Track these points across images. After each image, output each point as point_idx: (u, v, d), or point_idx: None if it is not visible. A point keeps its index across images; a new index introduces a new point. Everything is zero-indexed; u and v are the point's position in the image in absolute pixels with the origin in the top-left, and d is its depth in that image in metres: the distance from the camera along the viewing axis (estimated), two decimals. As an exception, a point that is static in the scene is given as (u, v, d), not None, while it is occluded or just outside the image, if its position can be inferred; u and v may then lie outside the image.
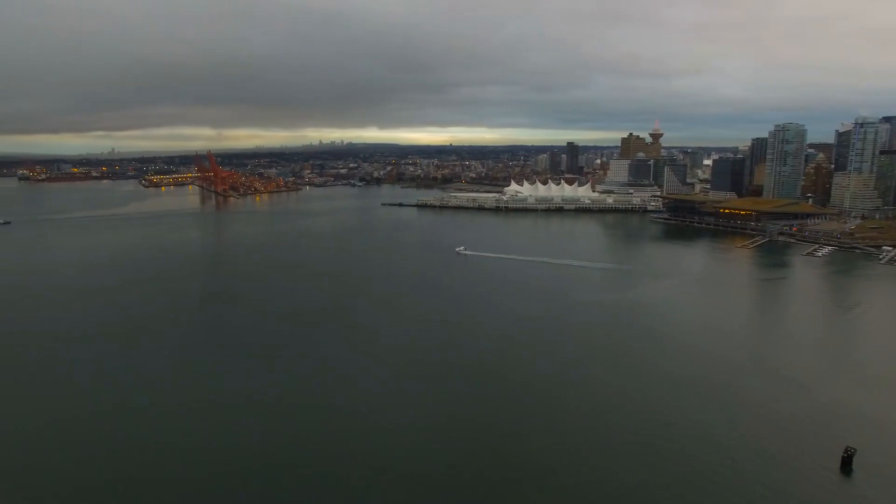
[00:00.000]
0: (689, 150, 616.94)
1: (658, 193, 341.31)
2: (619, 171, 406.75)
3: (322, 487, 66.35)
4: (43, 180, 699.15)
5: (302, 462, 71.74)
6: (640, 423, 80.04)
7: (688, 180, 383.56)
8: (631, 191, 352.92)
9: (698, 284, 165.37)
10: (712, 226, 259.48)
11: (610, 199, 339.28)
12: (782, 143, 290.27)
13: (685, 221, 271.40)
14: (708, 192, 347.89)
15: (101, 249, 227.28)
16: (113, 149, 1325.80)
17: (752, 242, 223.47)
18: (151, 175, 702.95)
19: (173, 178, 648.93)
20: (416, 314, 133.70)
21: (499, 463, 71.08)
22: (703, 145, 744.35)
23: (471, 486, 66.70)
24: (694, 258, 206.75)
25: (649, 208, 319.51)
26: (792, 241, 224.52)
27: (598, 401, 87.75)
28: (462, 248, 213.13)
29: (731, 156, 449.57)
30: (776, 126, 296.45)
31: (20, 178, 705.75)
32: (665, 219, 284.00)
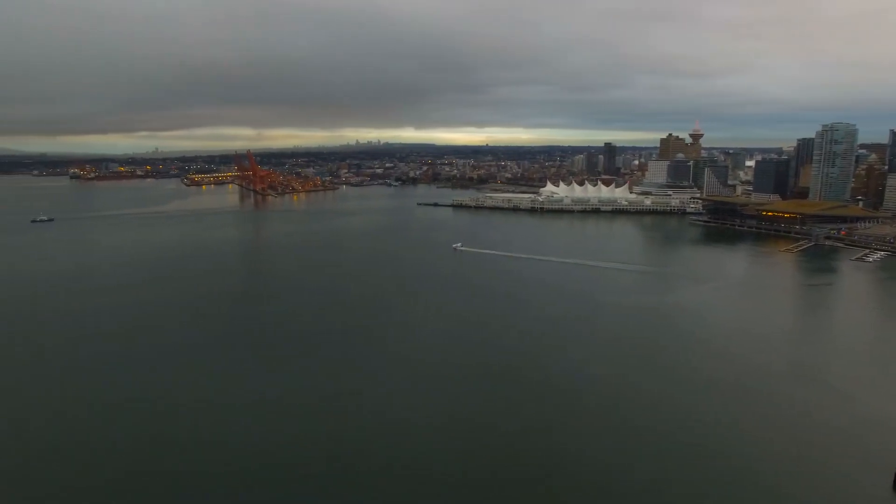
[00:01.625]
0: (730, 151, 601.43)
1: (697, 195, 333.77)
2: (657, 172, 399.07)
3: (339, 486, 66.93)
4: (92, 179, 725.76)
5: (322, 460, 72.40)
6: (674, 429, 78.19)
7: (729, 182, 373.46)
8: (669, 192, 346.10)
9: (738, 289, 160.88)
10: (754, 229, 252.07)
11: (648, 201, 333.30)
12: (830, 143, 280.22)
13: (725, 224, 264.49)
14: (750, 194, 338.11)
15: (140, 246, 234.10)
16: (157, 148, 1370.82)
17: (797, 247, 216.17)
18: (193, 174, 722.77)
19: (214, 177, 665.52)
20: (449, 314, 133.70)
21: (524, 464, 70.44)
22: (746, 146, 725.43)
23: (494, 487, 66.39)
24: (734, 262, 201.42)
25: (688, 210, 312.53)
26: (840, 245, 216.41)
27: (628, 404, 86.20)
28: (459, 244, 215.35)
29: (775, 157, 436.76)
30: (824, 126, 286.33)
31: (71, 177, 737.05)
32: (704, 221, 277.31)
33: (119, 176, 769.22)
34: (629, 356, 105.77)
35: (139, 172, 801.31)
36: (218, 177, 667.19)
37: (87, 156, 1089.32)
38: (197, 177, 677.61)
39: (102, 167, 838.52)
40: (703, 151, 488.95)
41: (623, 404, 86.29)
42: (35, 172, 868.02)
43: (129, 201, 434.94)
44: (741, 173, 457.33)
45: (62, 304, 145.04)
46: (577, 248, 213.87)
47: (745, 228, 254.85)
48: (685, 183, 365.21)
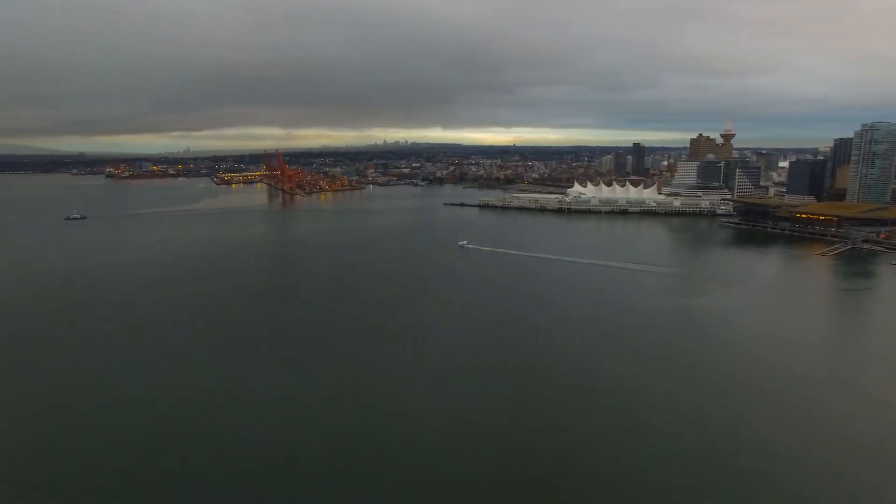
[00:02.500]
0: (763, 152, 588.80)
1: (728, 197, 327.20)
2: (686, 173, 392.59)
3: (357, 484, 67.31)
4: (127, 178, 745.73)
5: (341, 458, 72.75)
6: (702, 436, 76.65)
7: (761, 183, 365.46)
8: (699, 193, 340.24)
9: (769, 292, 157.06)
10: (787, 231, 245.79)
11: (677, 202, 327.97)
12: (870, 143, 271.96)
13: (757, 226, 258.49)
14: (783, 195, 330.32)
15: (169, 244, 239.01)
16: (189, 148, 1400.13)
17: (833, 250, 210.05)
18: (223, 173, 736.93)
19: (243, 176, 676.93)
20: (471, 314, 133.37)
21: (540, 464, 70.03)
22: (779, 146, 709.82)
23: (509, 487, 66.05)
24: (766, 265, 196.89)
25: (718, 212, 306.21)
26: (879, 249, 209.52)
27: (650, 406, 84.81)
28: (465, 241, 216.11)
29: (810, 157, 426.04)
30: (863, 125, 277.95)
31: (107, 176, 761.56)
32: (735, 223, 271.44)
33: (152, 175, 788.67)
34: (653, 358, 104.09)
35: (171, 171, 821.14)
36: (247, 176, 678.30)
37: (122, 155, 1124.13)
38: (226, 176, 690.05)
39: (136, 166, 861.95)
40: (734, 152, 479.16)
41: (645, 406, 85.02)
42: (73, 171, 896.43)
43: (161, 200, 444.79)
44: (774, 174, 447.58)
45: (83, 300, 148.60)
46: (604, 250, 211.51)
47: (778, 231, 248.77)
48: (715, 184, 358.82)
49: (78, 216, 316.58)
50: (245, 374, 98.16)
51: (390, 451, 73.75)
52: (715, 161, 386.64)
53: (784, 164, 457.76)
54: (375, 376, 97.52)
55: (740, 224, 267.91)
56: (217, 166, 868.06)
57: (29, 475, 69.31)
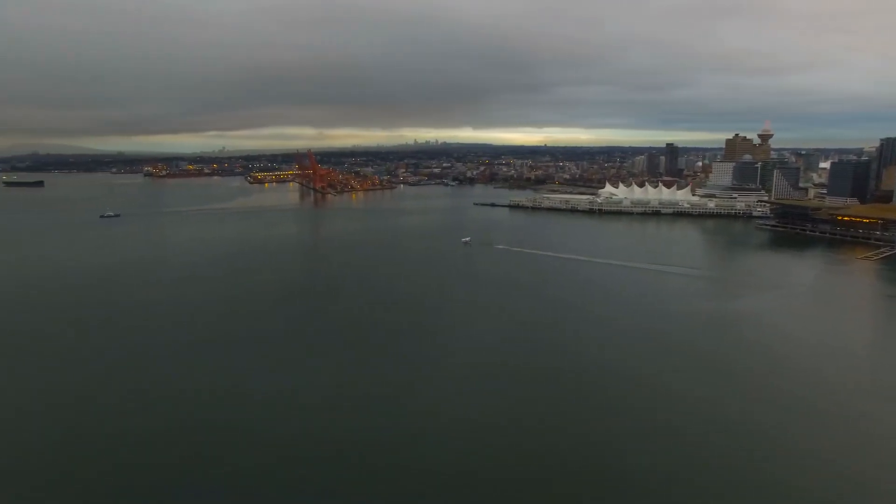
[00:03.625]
0: (802, 152, 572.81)
1: (765, 198, 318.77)
2: (722, 173, 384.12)
3: (384, 482, 67.50)
4: (163, 176, 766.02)
5: (362, 456, 73.04)
6: (735, 444, 74.53)
7: (801, 184, 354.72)
8: (735, 195, 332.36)
9: (808, 297, 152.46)
10: (828, 234, 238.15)
11: (711, 204, 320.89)
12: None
13: (795, 229, 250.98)
14: (824, 197, 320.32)
15: (200, 241, 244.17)
16: (223, 147, 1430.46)
17: (877, 254, 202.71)
18: (256, 172, 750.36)
19: (276, 176, 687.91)
20: (501, 315, 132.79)
21: (561, 466, 69.35)
22: (820, 146, 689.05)
23: (528, 487, 65.45)
24: (805, 269, 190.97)
25: (754, 214, 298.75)
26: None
27: (686, 414, 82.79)
28: (468, 238, 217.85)
29: (854, 158, 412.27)
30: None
31: (145, 175, 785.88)
32: (772, 226, 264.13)
33: (188, 174, 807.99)
34: (684, 362, 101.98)
35: (206, 170, 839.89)
36: (280, 175, 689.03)
37: (160, 154, 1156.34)
38: (260, 175, 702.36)
39: (173, 165, 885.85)
40: (772, 152, 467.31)
41: (676, 411, 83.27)
42: (113, 170, 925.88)
43: (195, 198, 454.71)
44: (814, 175, 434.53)
45: (105, 296, 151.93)
46: (635, 251, 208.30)
47: (818, 234, 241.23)
48: (752, 185, 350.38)
49: (112, 214, 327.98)
50: (267, 371, 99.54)
51: (414, 449, 73.91)
52: (751, 162, 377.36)
53: (825, 164, 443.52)
54: (402, 375, 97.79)
55: (777, 227, 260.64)
56: (251, 165, 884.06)
57: (34, 469, 71.49)
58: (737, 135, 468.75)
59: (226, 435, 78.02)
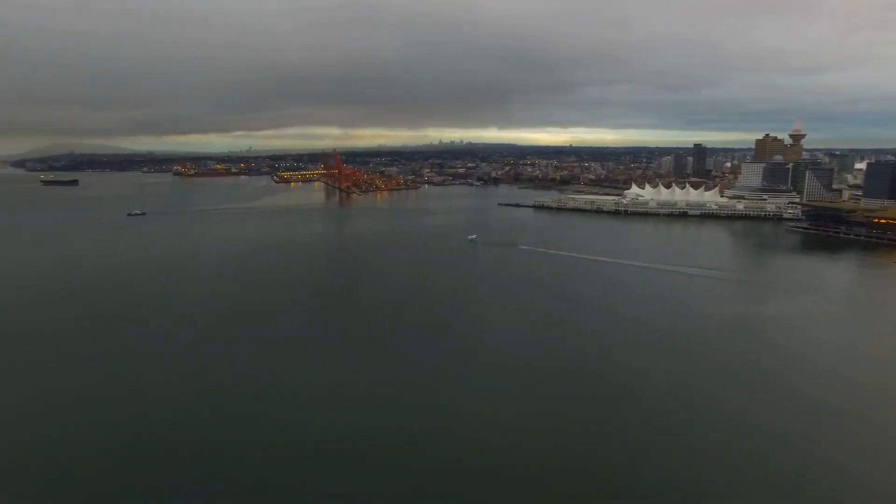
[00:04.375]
0: (836, 153, 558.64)
1: (796, 200, 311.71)
2: (751, 175, 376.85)
3: (411, 482, 67.83)
4: (192, 175, 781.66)
5: (391, 454, 73.58)
6: (765, 453, 72.89)
7: (834, 186, 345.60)
8: (764, 196, 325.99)
9: (841, 302, 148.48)
10: (863, 237, 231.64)
11: (740, 205, 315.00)
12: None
13: (828, 232, 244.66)
14: (859, 199, 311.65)
15: (225, 240, 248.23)
16: (250, 147, 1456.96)
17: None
18: (282, 171, 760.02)
19: (301, 175, 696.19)
20: (524, 316, 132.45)
21: (584, 469, 68.91)
22: (856, 147, 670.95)
23: (547, 490, 65.13)
24: (838, 273, 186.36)
25: (785, 216, 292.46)
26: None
27: (712, 421, 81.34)
28: (474, 236, 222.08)
29: (892, 158, 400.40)
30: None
31: (174, 174, 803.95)
32: (804, 228, 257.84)
33: (216, 173, 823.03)
34: (710, 367, 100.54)
35: (234, 170, 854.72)
36: (305, 174, 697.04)
37: (188, 154, 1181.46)
38: (286, 174, 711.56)
39: (201, 165, 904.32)
40: (804, 153, 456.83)
41: (701, 417, 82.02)
42: (144, 169, 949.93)
43: (222, 197, 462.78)
44: (849, 177, 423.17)
45: (117, 294, 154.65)
46: (662, 253, 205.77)
47: (852, 237, 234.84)
48: (782, 187, 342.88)
49: (139, 212, 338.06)
50: (290, 369, 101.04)
51: (433, 449, 74.32)
52: (782, 162, 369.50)
53: (861, 165, 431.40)
54: (427, 375, 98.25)
55: (809, 229, 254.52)
56: (277, 165, 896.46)
57: (35, 466, 73.67)
58: (767, 135, 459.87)
59: (237, 432, 79.34)
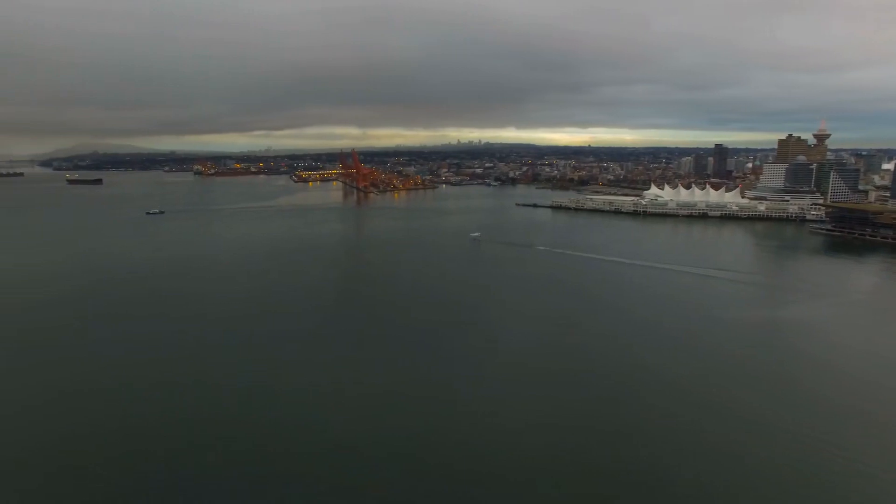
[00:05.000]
0: (863, 153, 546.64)
1: (820, 201, 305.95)
2: (773, 175, 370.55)
3: (437, 482, 67.63)
4: (212, 175, 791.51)
5: (414, 453, 73.54)
6: (791, 459, 71.47)
7: (860, 187, 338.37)
8: (787, 198, 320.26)
9: (869, 306, 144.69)
10: (890, 240, 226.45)
11: (761, 207, 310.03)
12: None
13: (854, 234, 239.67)
14: (887, 200, 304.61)
15: (239, 238, 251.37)
16: (270, 147, 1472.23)
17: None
18: (301, 171, 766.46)
19: (320, 175, 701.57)
20: (542, 317, 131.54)
21: (617, 478, 67.96)
22: (883, 147, 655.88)
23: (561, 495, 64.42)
24: (864, 276, 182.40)
25: (808, 218, 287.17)
26: None
27: (733, 425, 79.81)
28: (477, 234, 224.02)
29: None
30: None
31: (195, 173, 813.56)
32: (828, 230, 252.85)
33: (235, 172, 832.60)
34: (732, 370, 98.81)
35: (253, 169, 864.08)
36: (323, 174, 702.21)
37: (209, 153, 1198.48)
38: (304, 174, 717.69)
39: (221, 164, 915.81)
40: (828, 153, 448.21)
41: (722, 422, 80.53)
42: (165, 168, 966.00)
43: (241, 196, 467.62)
44: (876, 178, 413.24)
45: (124, 290, 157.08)
46: (681, 254, 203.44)
47: (879, 239, 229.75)
48: (806, 188, 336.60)
49: (157, 211, 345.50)
50: (308, 368, 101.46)
51: (464, 449, 74.04)
52: (806, 163, 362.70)
53: (888, 166, 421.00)
54: (446, 375, 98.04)
55: (833, 231, 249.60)
56: (296, 164, 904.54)
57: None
58: (790, 135, 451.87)
59: (253, 427, 79.91)
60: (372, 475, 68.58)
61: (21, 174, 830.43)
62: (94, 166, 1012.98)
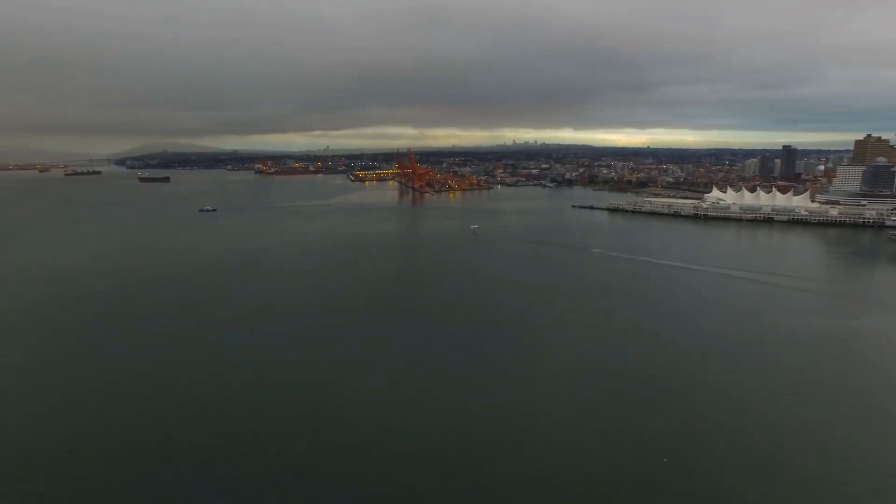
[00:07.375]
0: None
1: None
2: (848, 178, 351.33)
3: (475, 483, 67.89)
4: (272, 173, 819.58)
5: (447, 453, 73.71)
6: (862, 480, 67.52)
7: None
8: (864, 202, 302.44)
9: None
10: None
11: (834, 212, 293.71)
12: None
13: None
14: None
15: (293, 236, 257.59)
16: (328, 146, 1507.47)
17: None
18: (357, 170, 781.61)
19: (376, 174, 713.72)
20: (593, 320, 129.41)
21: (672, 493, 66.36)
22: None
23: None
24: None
25: (888, 224, 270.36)
26: None
27: (797, 442, 76.01)
28: (476, 226, 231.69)
29: None
30: None
31: (256, 172, 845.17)
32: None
33: (294, 171, 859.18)
34: (797, 385, 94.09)
35: (311, 168, 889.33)
36: (380, 174, 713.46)
37: (269, 153, 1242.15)
38: (361, 173, 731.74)
39: (281, 163, 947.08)
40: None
41: (787, 441, 76.69)
42: (228, 167, 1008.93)
43: (299, 194, 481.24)
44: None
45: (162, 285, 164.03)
46: (743, 260, 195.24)
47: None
48: (886, 192, 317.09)
49: (210, 208, 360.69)
50: (357, 365, 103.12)
51: (515, 450, 74.03)
52: (887, 165, 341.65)
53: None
54: (498, 376, 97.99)
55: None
56: (353, 164, 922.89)
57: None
58: (869, 135, 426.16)
59: (300, 423, 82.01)
60: (414, 470, 69.46)
61: (98, 172, 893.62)
62: (163, 165, 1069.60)
